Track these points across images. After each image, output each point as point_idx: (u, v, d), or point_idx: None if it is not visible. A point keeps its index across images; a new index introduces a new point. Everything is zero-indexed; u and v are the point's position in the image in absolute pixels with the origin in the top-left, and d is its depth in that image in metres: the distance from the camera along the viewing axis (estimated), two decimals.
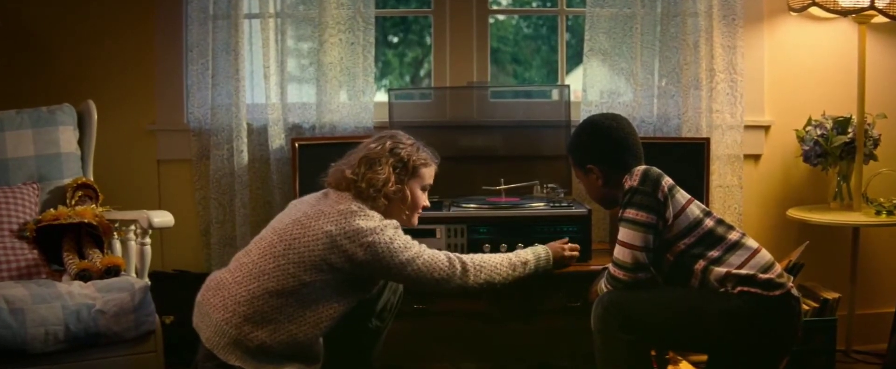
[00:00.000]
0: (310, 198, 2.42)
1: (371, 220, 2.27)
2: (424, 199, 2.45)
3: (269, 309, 2.22)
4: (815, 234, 3.14)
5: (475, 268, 2.35)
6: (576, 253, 2.62)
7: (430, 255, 2.31)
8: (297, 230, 2.27)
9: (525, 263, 2.46)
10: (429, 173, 2.44)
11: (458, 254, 2.37)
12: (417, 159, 2.39)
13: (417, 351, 3.17)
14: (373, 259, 2.25)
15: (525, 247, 2.73)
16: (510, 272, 2.42)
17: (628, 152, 2.40)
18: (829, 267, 3.29)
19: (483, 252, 2.73)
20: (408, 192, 2.38)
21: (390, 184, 2.32)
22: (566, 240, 2.65)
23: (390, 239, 2.26)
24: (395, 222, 2.32)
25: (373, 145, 2.38)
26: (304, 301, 2.25)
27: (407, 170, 2.37)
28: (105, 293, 2.46)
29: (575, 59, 3.45)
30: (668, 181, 2.31)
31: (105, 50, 3.25)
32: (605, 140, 2.41)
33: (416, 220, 2.47)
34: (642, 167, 2.33)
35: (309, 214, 2.29)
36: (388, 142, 2.37)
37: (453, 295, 2.57)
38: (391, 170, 2.33)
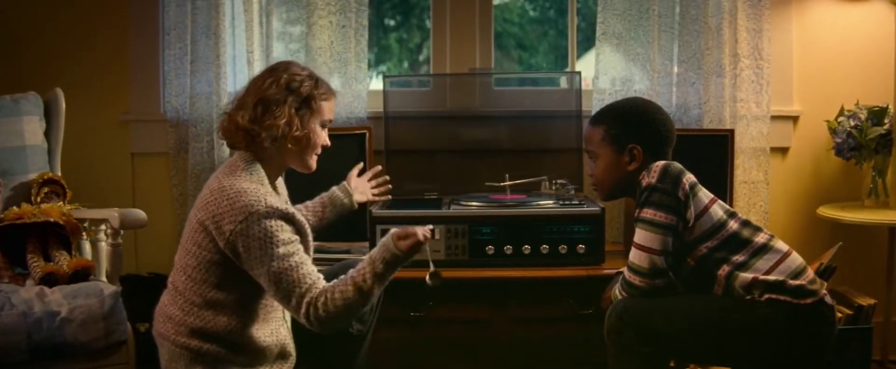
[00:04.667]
0: None
1: (247, 199, 2.10)
2: (324, 137, 2.31)
3: (203, 322, 2.16)
4: (848, 234, 3.11)
5: (325, 308, 2.08)
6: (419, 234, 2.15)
7: (306, 269, 2.10)
8: (185, 230, 2.21)
9: (376, 276, 2.11)
10: (329, 107, 2.30)
11: (320, 289, 2.09)
12: (318, 94, 2.25)
13: (414, 361, 3.14)
14: (234, 249, 2.11)
15: (532, 249, 2.70)
16: (361, 296, 2.11)
17: (670, 143, 2.40)
18: (864, 270, 3.27)
19: (486, 254, 2.70)
20: (307, 132, 2.25)
21: (295, 130, 2.20)
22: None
23: (269, 229, 2.08)
24: (282, 210, 2.13)
25: (268, 81, 2.23)
26: (231, 304, 2.17)
27: (309, 108, 2.24)
28: (72, 299, 2.43)
29: (586, 44, 3.44)
30: (689, 178, 2.28)
31: (74, 34, 3.23)
32: (655, 122, 2.39)
33: (314, 163, 2.32)
34: (662, 162, 2.30)
35: (195, 203, 2.21)
36: (283, 77, 2.23)
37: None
38: (292, 111, 2.21)
